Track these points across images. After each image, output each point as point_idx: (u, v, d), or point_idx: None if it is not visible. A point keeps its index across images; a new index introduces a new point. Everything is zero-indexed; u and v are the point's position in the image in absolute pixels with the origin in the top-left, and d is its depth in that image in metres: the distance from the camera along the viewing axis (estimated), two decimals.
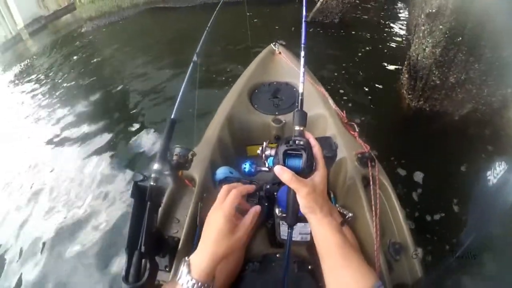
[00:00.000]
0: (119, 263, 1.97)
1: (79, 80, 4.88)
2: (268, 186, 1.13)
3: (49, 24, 8.86)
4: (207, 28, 1.53)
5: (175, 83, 3.91)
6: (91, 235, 2.20)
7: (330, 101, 1.64)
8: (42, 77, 5.47)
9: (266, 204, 1.33)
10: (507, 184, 0.89)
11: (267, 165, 0.76)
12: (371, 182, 1.15)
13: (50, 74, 5.46)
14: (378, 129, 2.05)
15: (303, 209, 0.71)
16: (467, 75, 2.46)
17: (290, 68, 1.91)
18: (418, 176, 2.26)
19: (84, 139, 3.31)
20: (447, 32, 2.30)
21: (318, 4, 4.77)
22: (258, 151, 0.82)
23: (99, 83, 4.64)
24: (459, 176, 2.26)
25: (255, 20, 5.32)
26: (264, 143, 0.80)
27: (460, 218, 1.98)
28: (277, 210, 1.14)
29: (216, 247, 0.69)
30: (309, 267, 1.14)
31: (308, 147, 0.72)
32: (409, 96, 2.83)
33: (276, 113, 1.69)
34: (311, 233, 1.16)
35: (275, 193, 1.25)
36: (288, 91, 1.81)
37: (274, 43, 2.10)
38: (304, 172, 0.68)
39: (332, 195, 1.40)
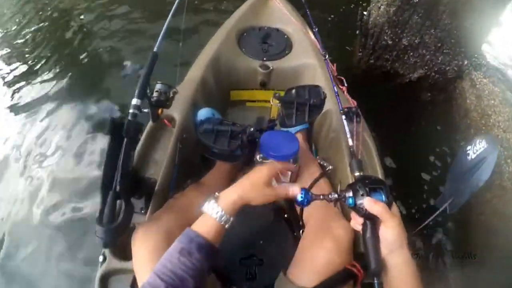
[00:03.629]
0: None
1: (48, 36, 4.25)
2: (252, 129, 1.09)
3: None
4: None
5: (158, 18, 3.55)
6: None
7: (322, 51, 1.57)
8: None
9: (247, 149, 1.30)
10: (483, 162, 0.95)
11: (347, 204, 0.71)
12: (354, 137, 1.13)
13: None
14: None
15: (392, 244, 0.68)
16: (422, 39, 2.35)
17: (283, 14, 1.79)
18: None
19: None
20: None
21: None
22: (331, 195, 0.75)
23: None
24: (412, 139, 2.30)
25: None
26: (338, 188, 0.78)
27: (425, 184, 2.03)
28: (257, 156, 1.12)
29: (249, 191, 0.73)
30: (285, 215, 1.15)
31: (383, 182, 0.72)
32: (359, 54, 2.73)
33: (264, 58, 1.60)
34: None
35: (257, 139, 1.22)
36: (279, 38, 1.71)
37: None
38: (388, 205, 0.68)
39: (313, 147, 1.39)
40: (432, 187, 1.99)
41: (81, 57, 3.18)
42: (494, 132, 1.95)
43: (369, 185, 0.70)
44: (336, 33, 3.14)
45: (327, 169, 1.22)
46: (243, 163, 1.36)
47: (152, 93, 0.98)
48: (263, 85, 1.63)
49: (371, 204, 0.67)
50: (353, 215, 0.74)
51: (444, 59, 2.41)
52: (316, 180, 1.14)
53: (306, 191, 0.75)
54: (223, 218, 0.69)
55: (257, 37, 1.70)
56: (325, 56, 1.42)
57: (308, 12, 1.76)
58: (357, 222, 0.73)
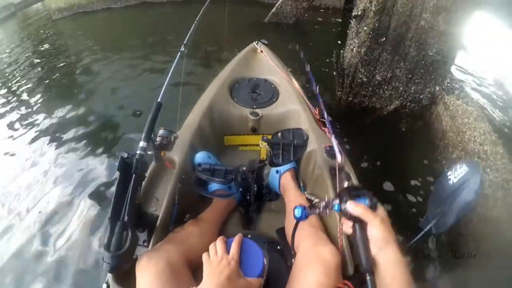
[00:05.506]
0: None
1: (47, 73, 4.51)
2: (244, 168, 1.21)
3: (19, 12, 8.39)
4: (195, 22, 1.61)
5: (146, 74, 3.95)
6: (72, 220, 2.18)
7: (305, 98, 1.76)
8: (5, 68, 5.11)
9: (240, 189, 1.43)
10: (466, 185, 1.00)
11: (334, 210, 0.79)
12: (337, 173, 1.27)
13: (13, 65, 5.12)
14: None
15: (379, 242, 0.73)
16: (393, 73, 2.58)
17: (270, 66, 2.02)
18: (363, 165, 2.42)
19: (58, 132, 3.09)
20: (371, 32, 2.39)
21: (274, 8, 5.02)
22: (320, 204, 0.83)
23: (72, 73, 4.42)
24: (396, 167, 2.44)
25: (235, 17, 5.32)
26: (326, 198, 0.84)
27: (413, 207, 2.14)
28: None
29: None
30: (278, 247, 1.24)
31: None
32: (338, 93, 3.00)
33: (254, 106, 1.79)
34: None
35: (250, 179, 1.35)
36: (267, 87, 1.91)
37: (256, 42, 2.20)
38: (372, 208, 0.76)
39: (301, 184, 1.52)
40: (420, 210, 2.08)
41: (91, 107, 3.44)
42: (470, 146, 2.08)
43: (353, 192, 0.78)
44: (315, 78, 3.43)
45: (314, 202, 1.33)
46: (237, 202, 1.48)
47: (156, 138, 1.14)
48: (254, 131, 1.79)
49: (353, 206, 0.75)
50: (344, 220, 0.80)
51: (416, 88, 2.63)
52: None
53: (302, 208, 0.85)
54: None
55: (247, 87, 1.90)
56: (317, 88, 1.61)
57: (302, 55, 2.02)
58: (347, 226, 0.79)
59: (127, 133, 2.87)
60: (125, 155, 1.01)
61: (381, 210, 0.77)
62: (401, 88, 2.66)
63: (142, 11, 6.95)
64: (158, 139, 1.14)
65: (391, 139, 2.68)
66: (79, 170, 2.54)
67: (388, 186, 2.26)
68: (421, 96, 2.66)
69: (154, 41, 5.02)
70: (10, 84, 4.35)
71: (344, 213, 0.77)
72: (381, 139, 2.66)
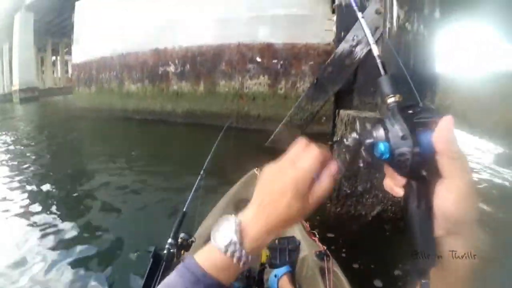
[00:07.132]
0: None
1: (56, 167, 4.97)
2: (250, 270, 1.47)
3: (41, 97, 9.34)
4: (213, 150, 2.10)
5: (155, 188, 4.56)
6: None
7: None
8: (13, 147, 5.45)
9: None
10: None
11: (376, 153, 0.45)
12: (326, 272, 1.52)
13: (23, 145, 5.49)
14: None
15: (454, 220, 0.42)
16: (372, 183, 3.05)
17: None
18: (355, 266, 2.65)
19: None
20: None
21: (272, 136, 5.92)
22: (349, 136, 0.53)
23: (83, 176, 4.88)
24: (383, 264, 2.64)
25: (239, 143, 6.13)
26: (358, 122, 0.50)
27: None
28: None
29: (287, 209, 0.51)
30: None
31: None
32: (328, 205, 3.43)
33: None
34: None
35: (251, 283, 1.59)
36: None
37: (256, 169, 2.65)
38: None
39: (297, 286, 1.73)
40: None
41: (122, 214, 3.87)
42: None
43: (416, 115, 0.43)
44: None
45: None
46: None
47: (178, 239, 1.45)
48: None
49: (446, 126, 0.39)
50: (389, 170, 0.48)
51: None
52: None
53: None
54: (242, 260, 0.51)
55: None
56: None
57: None
58: (395, 183, 0.48)
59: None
60: (155, 247, 1.31)
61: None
62: (380, 195, 3.15)
63: (158, 127, 8.01)
64: (179, 240, 1.44)
65: (378, 240, 3.00)
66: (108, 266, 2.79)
67: (377, 282, 2.50)
68: (399, 199, 3.06)
69: (165, 157, 5.76)
70: (14, 168, 4.77)
71: (397, 162, 0.43)
72: (368, 241, 2.96)
